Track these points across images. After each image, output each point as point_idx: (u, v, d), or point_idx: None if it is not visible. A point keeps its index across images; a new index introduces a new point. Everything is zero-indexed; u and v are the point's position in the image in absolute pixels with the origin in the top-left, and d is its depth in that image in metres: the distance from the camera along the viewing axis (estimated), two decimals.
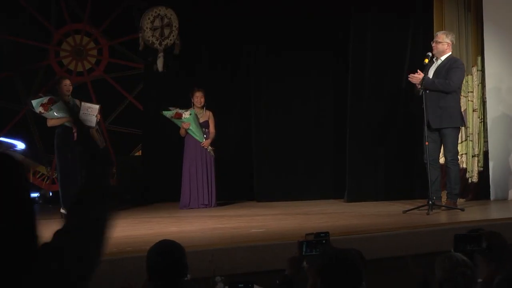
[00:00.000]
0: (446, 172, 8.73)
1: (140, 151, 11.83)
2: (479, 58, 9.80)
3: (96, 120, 9.32)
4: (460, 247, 3.89)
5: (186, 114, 10.10)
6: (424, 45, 9.30)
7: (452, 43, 8.74)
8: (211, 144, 10.26)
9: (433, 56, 8.62)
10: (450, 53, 8.73)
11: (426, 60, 8.50)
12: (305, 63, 10.89)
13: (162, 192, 10.90)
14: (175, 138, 10.57)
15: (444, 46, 8.64)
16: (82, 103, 9.32)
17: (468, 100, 9.76)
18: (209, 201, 10.14)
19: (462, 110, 9.53)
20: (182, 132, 10.22)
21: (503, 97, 9.69)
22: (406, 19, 10.20)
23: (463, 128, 9.52)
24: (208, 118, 10.31)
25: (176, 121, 10.18)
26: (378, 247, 6.38)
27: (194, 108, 10.22)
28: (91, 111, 9.30)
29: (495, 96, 9.70)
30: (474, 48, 9.83)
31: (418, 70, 8.49)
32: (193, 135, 10.18)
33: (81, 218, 1.82)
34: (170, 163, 11.01)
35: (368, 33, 10.30)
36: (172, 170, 10.94)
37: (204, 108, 10.31)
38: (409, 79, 8.58)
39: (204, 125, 10.28)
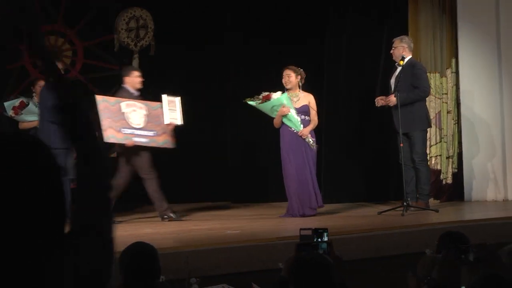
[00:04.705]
0: (415, 174, 8.80)
1: (115, 153, 11.71)
2: (454, 60, 9.89)
3: None
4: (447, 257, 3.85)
5: (276, 95, 8.50)
6: None
7: (409, 46, 8.73)
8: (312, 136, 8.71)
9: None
10: (410, 56, 8.73)
11: (402, 62, 8.56)
12: (281, 63, 10.86)
13: (137, 194, 10.81)
14: None
15: (400, 51, 8.65)
16: None
17: (443, 102, 9.84)
18: (316, 202, 8.61)
19: (437, 112, 9.67)
20: (276, 121, 8.60)
21: (477, 99, 9.77)
22: (381, 21, 10.24)
23: (437, 129, 9.62)
24: (308, 102, 8.65)
25: (265, 107, 8.58)
26: (352, 249, 6.37)
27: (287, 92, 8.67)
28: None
29: (469, 97, 9.79)
30: (448, 50, 9.92)
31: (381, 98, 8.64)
32: (289, 123, 8.55)
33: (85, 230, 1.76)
34: None
35: (344, 35, 10.34)
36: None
37: (300, 90, 8.71)
38: (381, 103, 8.66)
39: (302, 111, 8.61)
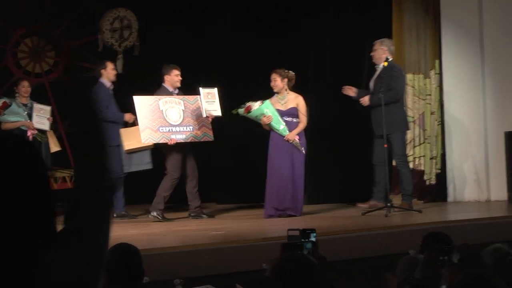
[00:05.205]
0: (398, 175, 8.81)
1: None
2: (437, 61, 9.90)
3: (49, 122, 9.25)
4: (430, 259, 3.86)
5: (255, 105, 8.49)
6: None
7: (389, 49, 8.80)
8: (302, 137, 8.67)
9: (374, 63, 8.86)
10: (390, 59, 8.76)
11: (385, 63, 8.60)
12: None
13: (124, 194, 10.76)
14: None
15: (380, 53, 8.76)
16: (34, 104, 9.25)
17: (426, 103, 9.85)
18: (293, 208, 8.55)
19: (420, 113, 9.69)
20: (265, 127, 8.66)
21: (460, 100, 9.79)
22: (365, 23, 10.20)
23: (421, 130, 9.67)
24: (296, 105, 8.62)
25: (251, 116, 8.59)
26: (337, 249, 6.33)
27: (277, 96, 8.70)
28: (43, 113, 9.24)
29: (453, 98, 9.82)
30: (432, 52, 9.93)
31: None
32: (274, 130, 8.58)
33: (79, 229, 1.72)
34: None
35: (328, 34, 10.35)
36: (132, 172, 10.82)
37: (287, 92, 8.70)
38: (348, 92, 8.87)
39: (289, 113, 8.61)
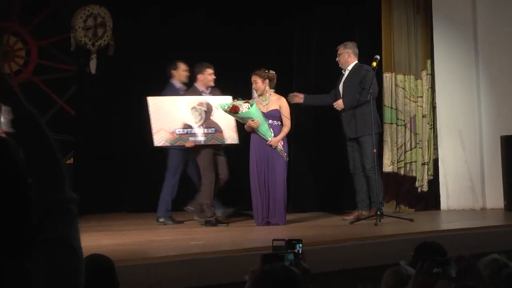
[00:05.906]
0: (366, 181, 8.70)
1: (72, 159, 11.43)
2: (429, 62, 9.76)
3: None
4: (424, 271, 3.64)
5: (243, 108, 8.22)
6: (371, 48, 9.29)
7: (354, 52, 8.83)
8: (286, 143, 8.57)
9: (341, 68, 8.88)
10: (356, 61, 8.80)
11: (374, 64, 8.49)
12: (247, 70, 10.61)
13: (95, 203, 10.51)
14: (109, 145, 10.22)
15: (345, 57, 8.83)
16: (2, 106, 9.00)
17: (418, 106, 9.72)
18: (275, 216, 8.39)
19: (412, 116, 9.54)
20: (248, 129, 8.51)
21: (453, 102, 9.63)
22: (351, 21, 10.05)
23: (412, 134, 9.55)
24: (279, 107, 8.49)
25: (236, 116, 8.41)
26: (324, 260, 6.23)
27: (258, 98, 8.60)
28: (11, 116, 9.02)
29: (445, 101, 9.66)
30: (423, 52, 9.77)
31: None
32: (258, 133, 8.43)
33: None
34: (104, 171, 10.65)
35: (313, 34, 10.18)
36: (105, 179, 10.58)
37: (267, 94, 8.55)
38: (295, 100, 8.84)
39: (270, 115, 8.48)
